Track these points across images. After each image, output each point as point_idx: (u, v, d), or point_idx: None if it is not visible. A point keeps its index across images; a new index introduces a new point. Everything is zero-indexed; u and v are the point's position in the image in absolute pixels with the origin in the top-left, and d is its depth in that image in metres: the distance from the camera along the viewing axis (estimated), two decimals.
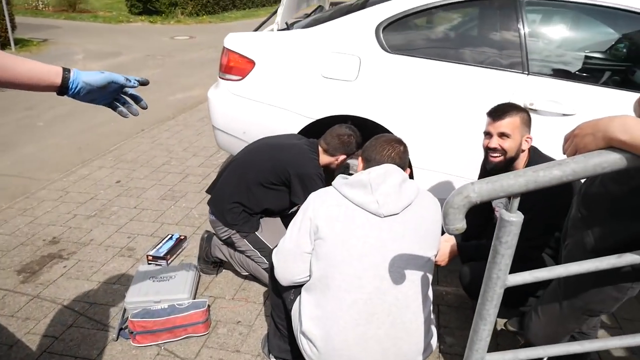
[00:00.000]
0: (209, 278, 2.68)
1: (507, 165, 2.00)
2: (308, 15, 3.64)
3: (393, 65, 2.71)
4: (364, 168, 1.74)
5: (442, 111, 2.66)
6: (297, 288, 1.73)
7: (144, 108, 1.29)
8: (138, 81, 1.22)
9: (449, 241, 2.06)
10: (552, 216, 1.90)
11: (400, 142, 1.77)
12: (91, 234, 3.13)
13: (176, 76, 8.01)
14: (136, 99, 1.27)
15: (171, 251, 2.83)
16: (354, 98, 2.74)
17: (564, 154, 1.09)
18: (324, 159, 2.52)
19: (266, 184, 2.41)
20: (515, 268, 1.07)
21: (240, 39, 2.95)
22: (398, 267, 1.53)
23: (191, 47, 11.04)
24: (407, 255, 1.54)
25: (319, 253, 1.58)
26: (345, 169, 2.99)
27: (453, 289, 2.58)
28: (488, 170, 2.10)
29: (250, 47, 2.89)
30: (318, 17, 3.16)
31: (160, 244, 2.87)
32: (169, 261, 2.78)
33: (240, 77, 2.91)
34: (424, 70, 2.68)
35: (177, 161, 4.41)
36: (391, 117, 2.72)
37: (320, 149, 2.50)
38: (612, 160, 0.95)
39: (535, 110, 2.48)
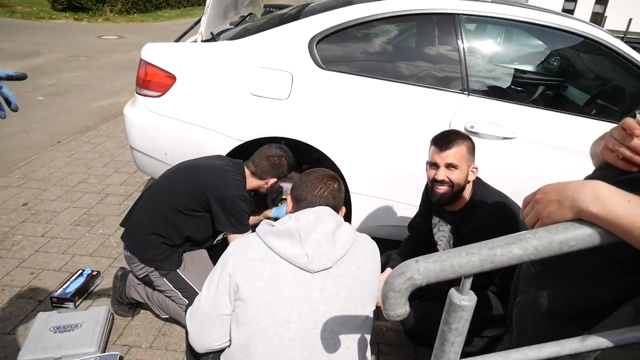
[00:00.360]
0: (123, 322, 2.35)
1: (454, 197, 1.87)
2: (238, 24, 3.36)
3: (328, 83, 2.49)
4: (294, 210, 1.51)
5: (381, 133, 2.47)
6: (216, 352, 1.48)
7: (14, 110, 1.09)
8: (9, 75, 1.02)
9: None
10: None
11: (334, 178, 1.57)
12: None
13: (101, 79, 7.44)
14: (7, 98, 1.06)
15: (80, 291, 2.47)
16: (286, 118, 2.50)
17: (524, 220, 0.92)
18: (252, 182, 2.29)
19: (184, 210, 2.14)
20: None
21: (159, 50, 2.65)
22: (331, 333, 1.32)
23: (120, 47, 10.40)
24: (342, 317, 1.34)
25: (240, 317, 1.34)
26: (278, 194, 2.76)
27: (394, 324, 2.40)
28: (433, 202, 1.95)
29: (171, 60, 2.59)
30: (248, 27, 2.90)
31: (68, 282, 2.51)
32: (77, 303, 2.43)
33: (159, 93, 2.60)
34: (361, 88, 2.49)
35: (96, 179, 3.99)
36: (326, 140, 2.50)
37: (247, 171, 2.27)
38: (582, 238, 0.80)
39: (476, 134, 2.36)
